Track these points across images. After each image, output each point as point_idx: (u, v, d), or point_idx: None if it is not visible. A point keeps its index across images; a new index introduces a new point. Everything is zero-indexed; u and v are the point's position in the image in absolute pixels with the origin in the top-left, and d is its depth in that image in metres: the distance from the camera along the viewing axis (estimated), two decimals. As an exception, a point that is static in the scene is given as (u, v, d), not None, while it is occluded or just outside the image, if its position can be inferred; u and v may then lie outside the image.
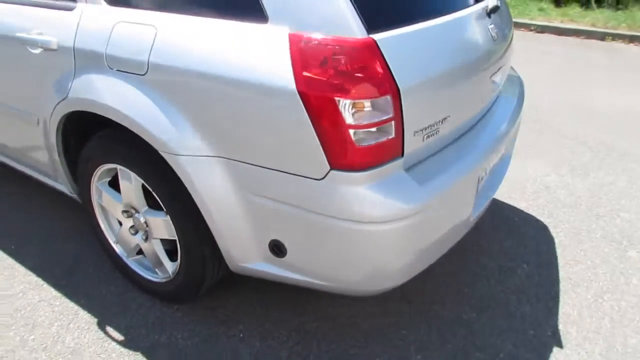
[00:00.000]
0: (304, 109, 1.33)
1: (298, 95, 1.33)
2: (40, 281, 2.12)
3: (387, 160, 1.40)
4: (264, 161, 1.46)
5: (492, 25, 1.86)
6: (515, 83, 2.36)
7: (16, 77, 1.97)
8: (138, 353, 1.80)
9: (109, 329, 1.90)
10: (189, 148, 1.53)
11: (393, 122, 1.37)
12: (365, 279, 1.51)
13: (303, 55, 1.32)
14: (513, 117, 2.06)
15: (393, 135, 1.39)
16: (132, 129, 1.61)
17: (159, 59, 1.53)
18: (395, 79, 1.35)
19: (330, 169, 1.37)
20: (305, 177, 1.41)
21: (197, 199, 1.57)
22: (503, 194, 2.89)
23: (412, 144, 1.47)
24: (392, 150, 1.41)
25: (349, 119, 1.31)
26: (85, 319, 1.94)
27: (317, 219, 1.43)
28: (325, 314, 2.00)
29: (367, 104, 1.32)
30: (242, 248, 1.62)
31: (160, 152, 1.57)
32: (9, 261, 2.24)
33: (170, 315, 1.97)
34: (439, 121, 1.55)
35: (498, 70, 1.92)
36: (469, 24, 1.70)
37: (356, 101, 1.31)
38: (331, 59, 1.30)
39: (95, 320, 1.94)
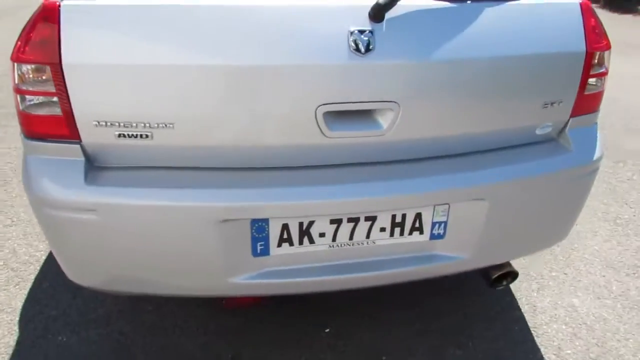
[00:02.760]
0: None
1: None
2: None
3: (54, 139, 1.25)
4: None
5: (368, 32, 1.20)
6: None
7: None
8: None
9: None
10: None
11: (57, 99, 1.21)
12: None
13: None
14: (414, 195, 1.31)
15: (60, 113, 1.22)
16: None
17: None
18: (61, 50, 1.17)
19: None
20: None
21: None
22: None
23: (96, 135, 1.23)
24: (60, 130, 1.24)
25: (16, 80, 1.25)
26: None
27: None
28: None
29: (26, 69, 1.22)
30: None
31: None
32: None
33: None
34: (150, 125, 1.21)
35: (371, 105, 1.25)
36: (264, 14, 1.19)
37: (18, 64, 1.23)
38: (31, 19, 1.26)
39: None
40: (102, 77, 1.18)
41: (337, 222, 1.34)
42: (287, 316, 1.89)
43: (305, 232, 1.33)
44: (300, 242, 1.35)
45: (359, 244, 1.38)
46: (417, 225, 1.40)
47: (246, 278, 1.36)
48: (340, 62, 1.20)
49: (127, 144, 1.25)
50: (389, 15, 1.23)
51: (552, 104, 1.43)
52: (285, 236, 1.33)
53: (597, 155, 1.52)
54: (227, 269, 1.33)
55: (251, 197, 1.25)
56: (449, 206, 1.38)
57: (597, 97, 1.55)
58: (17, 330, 1.79)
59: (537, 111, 1.42)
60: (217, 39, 1.18)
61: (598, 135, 1.58)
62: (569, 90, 1.45)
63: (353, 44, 1.20)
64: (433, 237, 1.42)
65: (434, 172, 1.36)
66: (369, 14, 1.21)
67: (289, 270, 1.38)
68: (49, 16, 1.18)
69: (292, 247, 1.35)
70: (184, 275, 1.35)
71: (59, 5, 1.18)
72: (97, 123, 1.22)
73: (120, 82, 1.19)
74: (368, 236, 1.38)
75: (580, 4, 1.43)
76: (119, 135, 1.24)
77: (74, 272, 1.39)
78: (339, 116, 1.26)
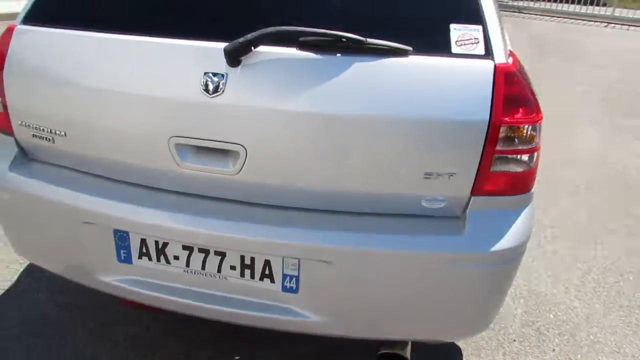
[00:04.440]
0: None
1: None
2: None
3: (3, 131, 1.56)
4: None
5: (220, 75, 1.25)
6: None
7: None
8: None
9: None
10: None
11: (0, 98, 1.51)
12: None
13: None
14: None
15: (2, 110, 1.52)
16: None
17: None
18: (5, 62, 1.47)
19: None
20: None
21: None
22: None
23: (22, 132, 1.50)
24: (3, 124, 1.54)
25: None
26: None
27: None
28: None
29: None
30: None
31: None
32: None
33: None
34: (51, 131, 1.44)
35: (218, 145, 1.29)
36: (149, 52, 1.32)
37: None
38: None
39: None
40: (25, 87, 1.45)
41: (189, 249, 1.39)
42: (215, 332, 1.95)
43: (161, 251, 1.42)
44: (158, 260, 1.44)
45: (211, 276, 1.41)
46: (267, 272, 1.37)
47: (114, 280, 1.50)
48: (189, 99, 1.28)
49: (39, 144, 1.50)
50: (248, 61, 1.26)
51: (438, 175, 1.27)
52: (144, 250, 1.43)
53: (498, 246, 1.29)
54: (96, 267, 1.49)
55: (110, 208, 1.39)
56: (299, 261, 1.33)
57: (516, 178, 1.32)
58: (14, 278, 2.20)
59: (416, 181, 1.28)
60: (95, 66, 1.36)
61: (516, 224, 1.34)
62: (465, 164, 1.27)
63: (203, 84, 1.26)
64: (285, 289, 1.38)
65: (283, 222, 1.32)
66: (229, 56, 1.26)
67: (149, 283, 1.47)
68: (5, 35, 1.50)
69: (151, 262, 1.44)
70: (67, 262, 1.54)
71: (14, 27, 1.49)
72: (20, 122, 1.50)
73: (33, 93, 1.44)
74: (219, 270, 1.40)
75: (496, 68, 1.25)
76: (33, 135, 1.49)
77: (11, 244, 1.69)
78: (193, 150, 1.33)
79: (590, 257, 2.58)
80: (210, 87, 1.26)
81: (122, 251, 1.45)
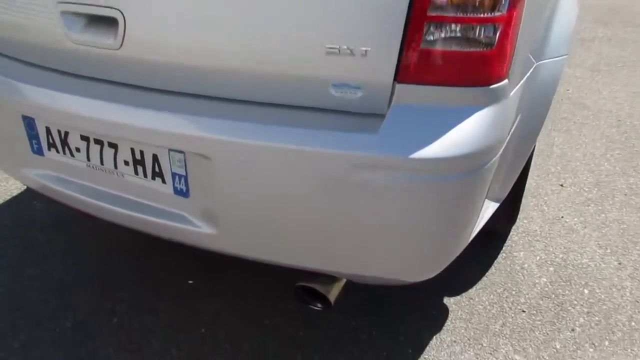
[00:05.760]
0: None
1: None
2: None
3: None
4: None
5: None
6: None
7: None
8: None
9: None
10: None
11: None
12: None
13: None
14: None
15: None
16: None
17: None
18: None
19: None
20: None
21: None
22: None
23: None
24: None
25: None
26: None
27: None
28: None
29: None
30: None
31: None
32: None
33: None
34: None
35: (98, 10, 1.11)
36: None
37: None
38: None
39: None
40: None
41: (86, 140, 1.24)
42: (177, 259, 1.83)
43: (64, 141, 1.29)
44: (64, 152, 1.31)
45: (110, 173, 1.25)
46: (157, 170, 1.17)
47: (33, 174, 1.41)
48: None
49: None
50: None
51: (346, 50, 0.95)
52: (51, 140, 1.31)
53: (426, 153, 0.94)
54: (18, 159, 1.41)
55: (14, 91, 1.29)
56: (185, 156, 1.11)
57: (466, 60, 0.95)
58: (24, 188, 2.28)
59: (317, 57, 0.97)
60: None
61: (462, 127, 0.97)
62: (383, 37, 0.93)
63: None
64: (177, 192, 1.17)
65: (165, 108, 1.10)
66: None
67: (59, 178, 1.36)
68: None
69: (59, 154, 1.32)
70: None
71: None
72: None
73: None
74: (116, 166, 1.23)
75: None
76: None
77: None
78: (79, 20, 1.17)
79: (669, 231, 1.98)
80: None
81: (34, 141, 1.35)
